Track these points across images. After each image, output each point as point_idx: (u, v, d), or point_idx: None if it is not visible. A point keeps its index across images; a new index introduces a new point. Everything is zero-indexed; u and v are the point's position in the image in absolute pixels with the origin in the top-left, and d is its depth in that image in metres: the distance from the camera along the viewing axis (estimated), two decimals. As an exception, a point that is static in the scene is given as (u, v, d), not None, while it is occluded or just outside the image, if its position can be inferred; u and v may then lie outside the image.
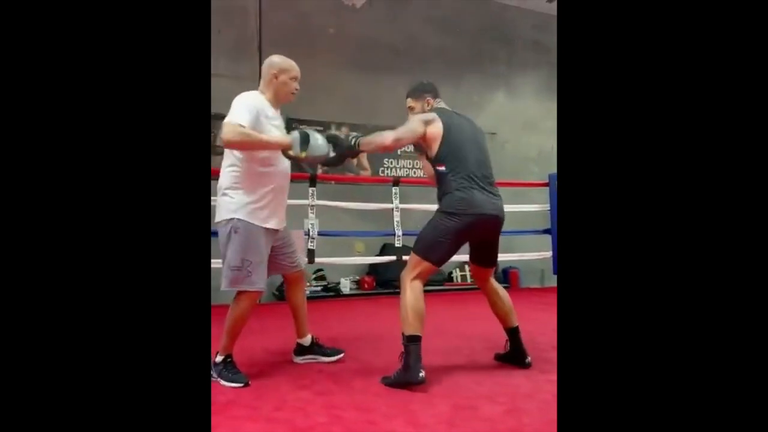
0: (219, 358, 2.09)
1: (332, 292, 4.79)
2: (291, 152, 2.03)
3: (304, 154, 2.02)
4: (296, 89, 2.20)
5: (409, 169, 5.80)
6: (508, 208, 6.29)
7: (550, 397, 1.92)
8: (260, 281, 2.06)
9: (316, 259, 4.27)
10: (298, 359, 2.41)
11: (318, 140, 2.04)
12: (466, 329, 3.10)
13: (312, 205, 4.25)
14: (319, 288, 4.78)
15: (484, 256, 2.30)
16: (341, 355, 2.41)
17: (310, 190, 4.25)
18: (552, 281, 5.68)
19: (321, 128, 5.32)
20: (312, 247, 4.21)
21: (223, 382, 2.03)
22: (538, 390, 2.01)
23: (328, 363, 2.37)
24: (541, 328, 2.94)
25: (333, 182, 4.78)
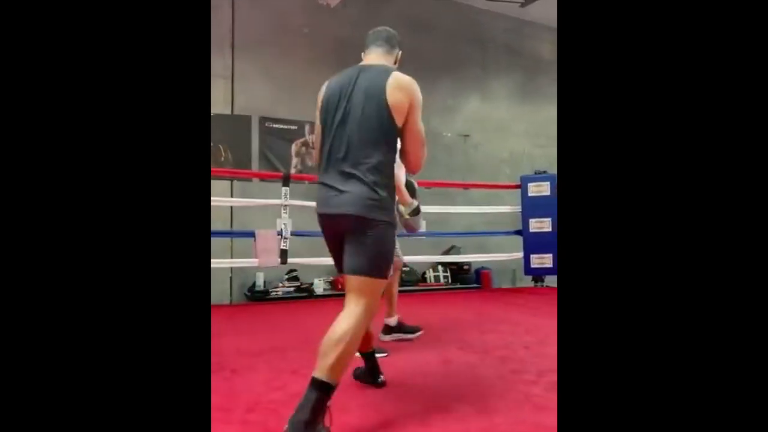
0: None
1: (305, 292, 4.76)
2: (403, 208, 2.32)
3: (407, 216, 2.33)
4: None
5: (383, 169, 5.81)
6: (480, 209, 6.23)
7: (522, 397, 1.95)
8: None
9: (290, 260, 4.24)
10: (386, 338, 2.74)
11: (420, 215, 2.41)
12: (439, 329, 3.13)
13: (285, 205, 4.21)
14: (292, 288, 4.74)
15: (339, 259, 1.76)
16: (421, 332, 2.80)
17: (284, 189, 4.22)
18: (523, 282, 5.77)
19: (296, 127, 5.28)
20: (285, 248, 4.17)
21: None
22: (510, 390, 2.04)
23: (304, 365, 2.36)
24: (513, 328, 2.98)
25: (307, 182, 4.75)
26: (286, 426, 1.44)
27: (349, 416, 1.74)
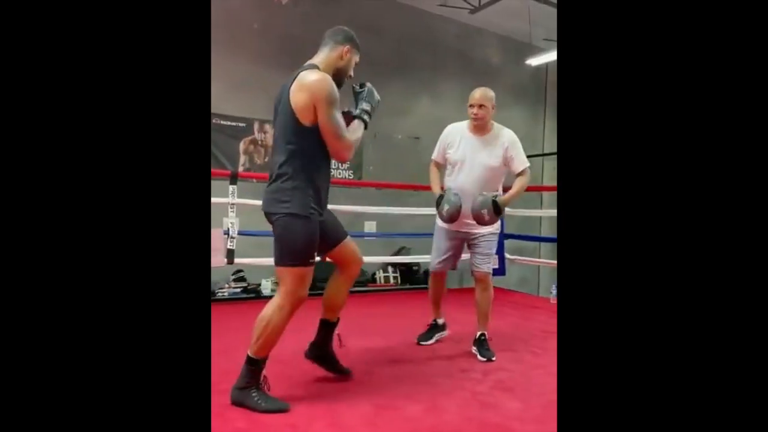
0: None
1: (253, 293, 4.66)
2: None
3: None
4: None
5: (334, 170, 5.76)
6: (430, 211, 6.41)
7: (469, 395, 1.98)
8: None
9: (236, 260, 4.13)
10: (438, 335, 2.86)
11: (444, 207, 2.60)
12: (388, 329, 3.13)
13: (232, 204, 4.11)
14: (238, 289, 4.63)
15: None
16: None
17: (231, 188, 4.11)
18: (470, 282, 5.88)
19: (244, 125, 5.16)
20: (232, 247, 4.07)
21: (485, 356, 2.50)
22: (457, 388, 2.07)
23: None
24: (461, 328, 3.03)
25: (254, 180, 4.65)
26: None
27: (297, 417, 1.71)
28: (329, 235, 1.97)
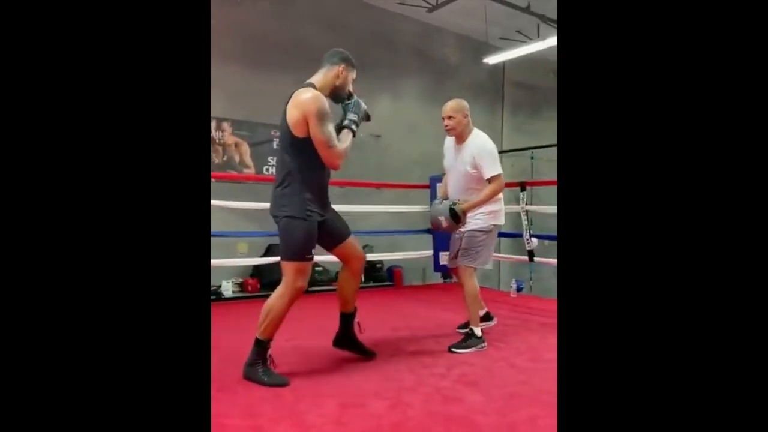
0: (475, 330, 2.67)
1: (213, 295, 4.57)
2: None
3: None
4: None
5: (294, 168, 5.71)
6: (392, 209, 6.35)
7: (433, 390, 2.01)
8: None
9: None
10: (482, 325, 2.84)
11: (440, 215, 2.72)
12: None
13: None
14: (198, 292, 4.54)
15: None
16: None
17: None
18: (433, 278, 5.94)
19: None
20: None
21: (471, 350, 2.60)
22: (421, 383, 2.10)
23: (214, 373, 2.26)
24: (424, 324, 3.06)
25: (214, 180, 4.55)
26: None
27: (261, 419, 1.70)
28: (333, 234, 2.25)
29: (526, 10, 5.92)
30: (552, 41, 5.55)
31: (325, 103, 2.02)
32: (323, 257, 4.66)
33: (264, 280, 4.85)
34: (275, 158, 2.43)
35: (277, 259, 4.50)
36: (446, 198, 2.79)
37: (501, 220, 2.82)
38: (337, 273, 5.48)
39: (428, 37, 6.78)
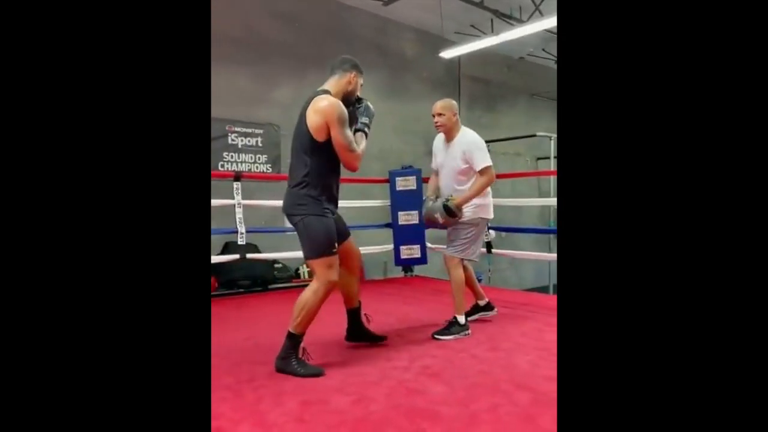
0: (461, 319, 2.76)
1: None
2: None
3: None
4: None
5: (251, 163, 5.61)
6: (352, 204, 6.35)
7: (395, 384, 2.02)
8: None
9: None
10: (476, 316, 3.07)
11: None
12: (314, 323, 3.11)
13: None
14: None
15: None
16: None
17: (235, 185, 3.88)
18: (394, 272, 5.97)
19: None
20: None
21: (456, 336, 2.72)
22: (385, 377, 2.10)
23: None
24: (386, 318, 3.07)
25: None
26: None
27: (221, 420, 1.66)
28: (338, 232, 2.32)
29: (480, 5, 5.99)
30: (505, 36, 5.65)
31: (344, 109, 2.14)
32: (282, 254, 4.63)
33: (221, 278, 4.73)
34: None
35: (236, 256, 4.43)
36: (437, 196, 2.86)
37: (490, 214, 2.92)
38: (296, 270, 5.48)
39: (385, 31, 6.77)
